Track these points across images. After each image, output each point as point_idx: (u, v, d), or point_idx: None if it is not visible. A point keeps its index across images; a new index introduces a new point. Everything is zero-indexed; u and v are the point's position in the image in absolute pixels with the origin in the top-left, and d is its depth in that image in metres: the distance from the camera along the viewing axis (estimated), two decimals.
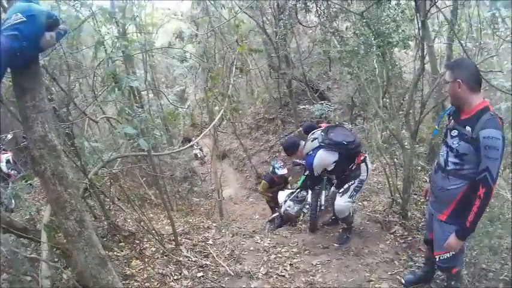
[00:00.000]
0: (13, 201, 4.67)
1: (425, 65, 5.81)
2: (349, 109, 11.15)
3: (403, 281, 4.27)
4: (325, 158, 4.83)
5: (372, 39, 5.26)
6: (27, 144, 2.39)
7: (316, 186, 5.95)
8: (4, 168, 7.90)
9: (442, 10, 5.63)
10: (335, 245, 5.39)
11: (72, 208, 2.43)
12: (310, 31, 13.37)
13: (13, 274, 3.00)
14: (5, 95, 4.09)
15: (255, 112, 17.47)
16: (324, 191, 6.07)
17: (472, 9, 6.24)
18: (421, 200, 6.01)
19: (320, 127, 5.24)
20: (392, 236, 5.34)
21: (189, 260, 4.86)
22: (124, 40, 4.13)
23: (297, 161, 6.55)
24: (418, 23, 4.60)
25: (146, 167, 6.93)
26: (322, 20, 9.47)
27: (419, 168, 6.80)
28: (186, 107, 19.02)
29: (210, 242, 5.61)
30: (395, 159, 6.33)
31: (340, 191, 5.10)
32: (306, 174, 5.44)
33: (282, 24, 10.49)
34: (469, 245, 4.16)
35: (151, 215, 6.60)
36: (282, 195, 7.31)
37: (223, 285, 4.47)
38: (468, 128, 2.94)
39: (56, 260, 3.80)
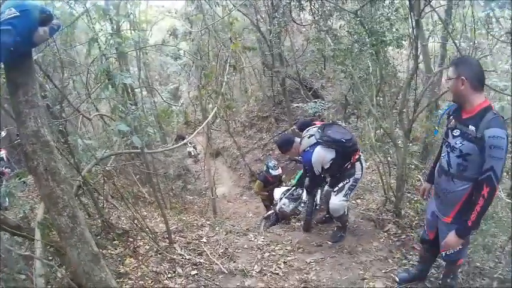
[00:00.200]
0: (7, 199, 4.63)
1: (419, 64, 5.84)
2: (343, 107, 11.16)
3: (397, 279, 4.28)
4: (322, 155, 4.79)
5: (366, 37, 5.26)
6: (20, 140, 2.37)
7: (318, 188, 5.91)
8: None
9: (437, 9, 5.65)
10: (329, 243, 5.39)
11: (64, 204, 2.42)
12: (304, 29, 13.37)
13: (7, 273, 2.99)
14: None
15: (248, 110, 17.47)
16: (319, 190, 6.06)
17: (466, 9, 6.25)
18: (415, 199, 6.04)
19: (314, 124, 5.21)
20: (386, 234, 5.36)
21: (183, 258, 4.86)
22: (118, 37, 4.11)
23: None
24: (412, 22, 4.61)
25: (140, 164, 6.92)
26: (316, 18, 9.48)
27: (412, 166, 6.82)
28: (180, 104, 19.01)
29: (204, 240, 5.61)
30: (388, 158, 6.35)
31: (334, 190, 5.09)
32: (307, 175, 5.39)
33: (276, 22, 10.51)
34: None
35: (145, 213, 6.59)
36: (277, 192, 7.30)
37: (217, 283, 4.46)
38: (472, 128, 2.90)
39: (50, 258, 3.79)
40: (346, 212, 5.32)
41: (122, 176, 7.60)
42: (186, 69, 15.26)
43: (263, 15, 12.28)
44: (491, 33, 5.53)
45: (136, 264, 4.49)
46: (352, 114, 10.46)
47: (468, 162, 3.01)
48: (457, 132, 3.07)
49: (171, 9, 14.48)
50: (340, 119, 10.07)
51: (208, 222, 6.83)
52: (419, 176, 6.69)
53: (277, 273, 4.75)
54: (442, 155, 3.29)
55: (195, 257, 4.97)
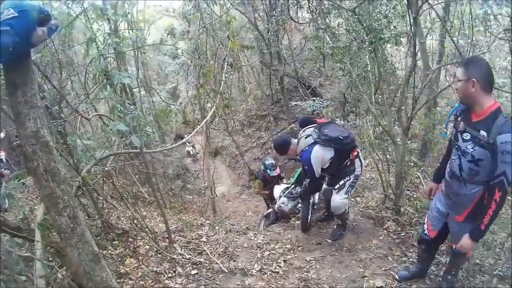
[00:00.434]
0: (6, 200, 4.63)
1: (418, 62, 5.84)
2: (342, 105, 11.18)
3: (396, 277, 4.29)
4: (321, 154, 4.74)
5: (364, 35, 5.26)
6: (20, 141, 2.37)
7: (317, 192, 5.90)
8: None
9: (434, 7, 5.66)
10: (328, 241, 5.40)
11: (65, 204, 2.42)
12: (302, 27, 13.37)
13: (8, 274, 2.99)
14: None
15: (247, 109, 17.48)
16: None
17: (464, 6, 6.26)
18: (414, 196, 6.05)
19: (316, 122, 5.18)
20: (385, 231, 5.36)
21: (183, 257, 4.86)
22: (116, 37, 4.11)
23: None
24: (409, 19, 4.60)
25: (139, 164, 6.92)
26: (314, 16, 9.48)
27: (411, 164, 6.83)
28: (178, 104, 19.01)
29: (204, 239, 5.61)
30: (387, 155, 6.36)
31: (336, 188, 5.07)
32: (306, 177, 5.37)
33: (273, 20, 10.50)
34: None
35: (145, 213, 6.59)
36: (277, 190, 7.29)
37: (218, 283, 4.47)
38: (483, 133, 2.85)
39: (51, 259, 3.79)
40: (347, 210, 5.32)
41: (121, 176, 7.60)
42: (184, 69, 15.25)
43: (261, 14, 12.27)
44: (489, 30, 5.53)
45: (137, 264, 4.49)
46: (351, 112, 10.45)
47: (480, 167, 2.98)
48: (467, 136, 3.02)
49: (169, 8, 14.50)
50: (339, 116, 10.08)
51: (207, 222, 6.83)
52: (418, 173, 6.70)
53: (277, 272, 4.75)
54: (453, 158, 3.25)
55: (195, 256, 4.97)
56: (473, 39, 6.06)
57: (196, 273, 4.57)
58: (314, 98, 11.16)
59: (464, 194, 3.18)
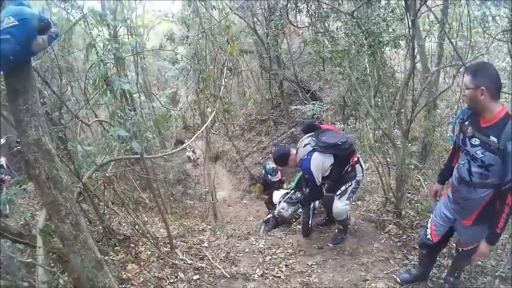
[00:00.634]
0: (7, 206, 4.64)
1: (416, 64, 5.84)
2: (341, 109, 11.16)
3: (398, 280, 4.29)
4: (321, 161, 4.72)
5: (363, 39, 5.27)
6: (21, 148, 2.38)
7: (317, 199, 5.87)
8: None
9: (433, 9, 5.66)
10: (330, 245, 5.40)
11: (67, 211, 2.42)
12: (301, 31, 13.39)
13: (10, 280, 2.99)
14: None
15: (247, 113, 17.48)
16: None
17: (462, 8, 6.27)
18: (415, 199, 6.04)
19: (320, 128, 5.12)
20: (386, 235, 5.36)
21: (184, 262, 4.85)
22: (115, 43, 4.12)
23: None
24: (408, 22, 4.61)
25: (139, 170, 6.91)
26: (313, 20, 9.49)
27: (412, 166, 6.83)
28: (178, 109, 19.01)
29: (205, 244, 5.60)
30: (388, 158, 6.36)
31: (337, 194, 5.06)
32: (307, 185, 5.36)
33: (273, 25, 10.51)
34: None
35: (146, 219, 6.59)
36: (277, 195, 7.28)
37: None
38: (493, 138, 2.86)
39: (52, 265, 3.78)
40: (349, 216, 5.31)
41: (122, 181, 7.59)
42: (184, 74, 15.27)
43: (260, 18, 12.28)
44: (487, 32, 5.54)
45: (138, 270, 4.48)
46: (351, 115, 10.45)
47: (490, 172, 2.98)
48: (476, 141, 3.01)
49: (168, 14, 14.52)
50: (339, 120, 10.08)
51: (209, 227, 6.83)
52: (418, 176, 6.70)
53: (279, 276, 4.76)
54: (461, 163, 3.23)
55: (197, 261, 4.96)
56: (472, 40, 6.06)
57: (198, 279, 4.56)
58: (314, 102, 11.17)
59: (474, 198, 3.18)
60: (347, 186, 4.99)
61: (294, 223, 6.71)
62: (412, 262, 4.66)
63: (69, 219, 2.44)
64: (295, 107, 13.07)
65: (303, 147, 4.91)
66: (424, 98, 6.36)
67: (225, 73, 8.37)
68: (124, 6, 9.15)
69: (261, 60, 13.30)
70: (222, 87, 8.47)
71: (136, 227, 5.17)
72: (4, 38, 2.02)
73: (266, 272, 4.88)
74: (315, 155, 4.71)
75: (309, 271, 4.84)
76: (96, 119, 6.22)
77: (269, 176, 8.24)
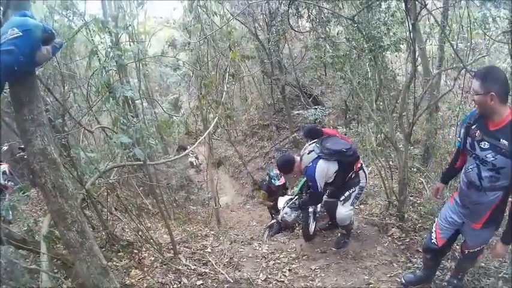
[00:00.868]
0: (10, 212, 4.65)
1: (418, 67, 5.85)
2: (343, 113, 11.18)
3: (403, 281, 4.28)
4: (325, 168, 4.72)
5: (364, 43, 5.28)
6: (26, 156, 2.40)
7: (317, 204, 5.87)
8: (1, 180, 7.85)
9: (433, 12, 5.68)
10: (333, 249, 5.40)
11: (73, 219, 2.45)
12: (302, 36, 13.42)
13: (13, 286, 3.00)
14: None
15: (249, 119, 17.50)
16: None
17: (462, 10, 6.28)
18: (418, 202, 6.03)
19: (322, 132, 5.11)
20: (390, 238, 5.36)
21: (188, 268, 4.86)
22: (117, 50, 4.14)
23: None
24: (409, 25, 4.62)
25: (142, 176, 6.93)
26: (314, 25, 9.51)
27: (414, 169, 6.83)
28: (180, 115, 19.04)
29: (209, 249, 5.61)
30: (390, 162, 6.36)
31: (341, 200, 5.06)
32: (308, 190, 5.35)
33: (274, 30, 10.54)
34: None
35: (149, 224, 6.60)
36: (281, 201, 7.28)
37: None
38: (504, 142, 2.86)
39: (56, 270, 3.80)
40: (352, 221, 5.31)
41: (125, 187, 7.61)
42: (186, 80, 15.31)
43: (261, 24, 12.32)
44: (487, 33, 5.54)
45: (142, 276, 4.49)
46: (353, 119, 10.46)
47: (501, 174, 2.98)
48: (485, 145, 3.00)
49: (169, 20, 14.57)
50: (341, 124, 10.08)
51: (212, 232, 6.82)
52: (421, 178, 6.69)
53: (283, 281, 4.75)
54: (470, 167, 3.21)
55: (200, 267, 4.97)
56: (473, 42, 6.07)
57: (202, 284, 4.57)
58: (316, 107, 11.19)
59: (484, 202, 3.19)
60: (350, 192, 5.00)
61: (297, 228, 6.71)
62: (416, 265, 4.65)
63: (75, 227, 2.47)
64: (297, 112, 13.10)
65: (308, 154, 4.90)
66: (425, 100, 6.36)
67: (227, 79, 8.38)
68: (126, 13, 9.19)
69: (262, 66, 13.34)
70: (224, 93, 8.49)
71: (140, 232, 5.18)
72: (8, 49, 2.02)
73: (269, 276, 4.87)
74: (320, 162, 4.71)
75: (312, 275, 4.83)
76: (99, 125, 6.23)
77: (273, 180, 8.24)
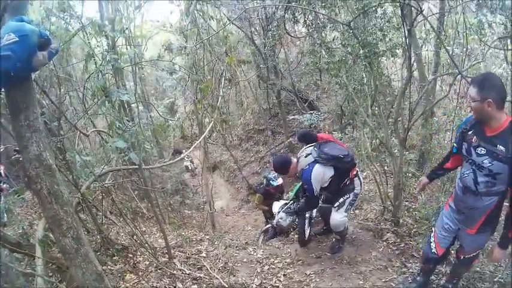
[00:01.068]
0: (5, 215, 4.64)
1: (413, 72, 5.87)
2: (339, 118, 11.19)
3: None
4: (321, 173, 4.71)
5: (360, 49, 5.30)
6: (22, 160, 2.39)
7: (313, 209, 5.83)
8: None
9: (429, 18, 5.70)
10: (328, 254, 5.40)
11: (68, 226, 2.44)
12: (299, 42, 13.45)
13: None
14: None
15: (244, 123, 17.52)
16: None
17: (458, 15, 6.31)
18: (413, 207, 6.04)
19: (317, 137, 5.11)
20: (384, 243, 5.36)
21: (182, 273, 4.84)
22: (114, 54, 4.14)
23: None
24: (404, 31, 4.64)
25: (137, 180, 6.92)
26: (310, 30, 9.54)
27: (409, 175, 6.84)
28: (176, 119, 19.04)
29: (203, 254, 5.60)
30: (385, 167, 6.36)
31: (335, 206, 5.06)
32: (304, 194, 5.35)
33: (270, 35, 10.56)
34: None
35: (144, 229, 6.58)
36: (276, 206, 7.28)
37: None
38: (501, 148, 2.87)
39: (50, 274, 3.78)
40: (346, 227, 5.31)
41: (119, 191, 7.60)
42: (182, 84, 15.33)
43: (257, 28, 12.34)
44: (483, 39, 5.57)
45: (137, 280, 4.47)
46: (348, 124, 10.48)
47: (497, 180, 2.98)
48: (482, 151, 3.01)
49: (166, 24, 14.58)
50: (337, 129, 10.10)
51: (207, 237, 6.82)
52: (416, 184, 6.70)
53: (277, 286, 4.75)
54: (466, 172, 3.22)
55: (195, 271, 4.95)
56: (469, 47, 6.09)
57: None
58: (311, 112, 11.20)
59: (479, 207, 3.20)
60: (345, 198, 5.00)
61: (292, 233, 6.71)
62: (410, 270, 4.66)
63: (71, 233, 2.46)
64: (292, 116, 13.10)
65: (305, 157, 4.90)
66: (421, 106, 6.39)
67: (222, 83, 8.40)
68: (123, 16, 9.18)
69: (258, 70, 13.35)
70: (220, 98, 8.50)
71: (135, 237, 5.17)
72: (5, 54, 2.02)
73: (264, 281, 4.87)
74: (317, 166, 4.71)
75: (307, 280, 4.83)
76: (95, 129, 6.22)
77: (271, 182, 8.21)
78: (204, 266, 5.13)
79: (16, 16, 2.20)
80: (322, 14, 7.81)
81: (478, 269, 4.30)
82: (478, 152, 3.04)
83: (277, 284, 4.79)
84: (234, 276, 4.99)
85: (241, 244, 6.66)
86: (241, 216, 12.98)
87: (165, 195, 10.38)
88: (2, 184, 8.03)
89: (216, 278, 4.78)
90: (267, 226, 7.75)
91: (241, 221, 12.42)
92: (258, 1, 11.08)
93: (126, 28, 7.70)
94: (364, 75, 5.92)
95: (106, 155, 6.20)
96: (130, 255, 5.05)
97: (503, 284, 4.00)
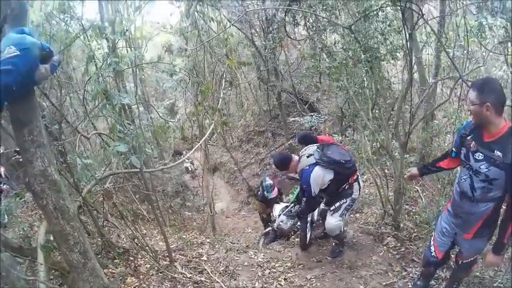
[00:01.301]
0: (6, 216, 4.62)
1: (414, 75, 5.86)
2: (339, 120, 11.18)
3: None
4: (321, 175, 4.74)
5: (361, 54, 5.29)
6: (29, 179, 2.37)
7: (313, 211, 5.86)
8: None
9: (430, 21, 5.70)
10: (328, 258, 5.41)
11: (75, 241, 2.44)
12: (300, 46, 13.44)
13: None
14: None
15: (245, 125, 17.52)
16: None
17: (459, 18, 6.31)
18: (413, 211, 6.04)
19: (317, 139, 5.14)
20: (385, 247, 5.37)
21: (184, 276, 4.84)
22: (114, 57, 4.13)
23: (291, 175, 6.50)
24: (405, 34, 4.64)
25: (138, 182, 6.90)
26: (310, 33, 9.53)
27: None
28: (176, 120, 19.03)
29: (204, 258, 5.60)
30: (386, 170, 6.36)
31: (331, 209, 5.09)
32: (303, 196, 5.35)
33: (270, 37, 10.55)
34: None
35: (145, 231, 6.57)
36: (277, 209, 7.28)
37: None
38: (498, 153, 2.87)
39: (51, 278, 3.78)
40: (342, 230, 5.30)
41: (120, 194, 7.59)
42: (182, 85, 15.32)
43: (258, 30, 12.33)
44: (483, 42, 5.57)
45: (138, 283, 4.47)
46: (349, 126, 10.47)
47: (493, 185, 2.98)
48: (480, 156, 3.01)
49: (166, 25, 14.58)
50: (337, 132, 10.08)
51: (208, 240, 6.82)
52: (416, 187, 6.69)
53: None
54: (463, 177, 3.22)
55: (196, 275, 4.95)
56: (470, 51, 6.08)
57: None
58: (312, 114, 11.19)
59: (475, 212, 3.20)
60: (341, 202, 5.01)
61: (293, 236, 6.70)
62: (411, 274, 4.66)
63: (78, 248, 2.46)
64: (293, 118, 13.09)
65: (307, 157, 4.93)
66: (421, 109, 6.38)
67: (223, 85, 8.38)
68: (123, 18, 9.17)
69: (259, 72, 13.35)
70: (220, 100, 8.49)
71: (136, 240, 5.16)
72: (5, 68, 1.97)
73: (265, 285, 4.87)
74: (317, 168, 4.73)
75: (308, 285, 4.83)
76: (95, 131, 6.22)
77: (266, 193, 8.23)
78: (205, 269, 5.13)
79: (16, 27, 2.15)
80: (323, 17, 7.81)
81: (478, 274, 4.29)
82: (476, 157, 3.05)
83: None
84: (235, 280, 4.99)
85: (242, 247, 6.67)
86: (241, 218, 12.98)
87: (165, 198, 10.37)
88: (2, 185, 8.01)
89: (217, 281, 4.78)
90: (268, 229, 7.75)
91: (242, 223, 12.41)
92: (258, 3, 11.08)
93: (127, 30, 7.71)
94: (364, 79, 5.91)
95: (107, 157, 6.18)
96: (131, 258, 5.04)
97: None
